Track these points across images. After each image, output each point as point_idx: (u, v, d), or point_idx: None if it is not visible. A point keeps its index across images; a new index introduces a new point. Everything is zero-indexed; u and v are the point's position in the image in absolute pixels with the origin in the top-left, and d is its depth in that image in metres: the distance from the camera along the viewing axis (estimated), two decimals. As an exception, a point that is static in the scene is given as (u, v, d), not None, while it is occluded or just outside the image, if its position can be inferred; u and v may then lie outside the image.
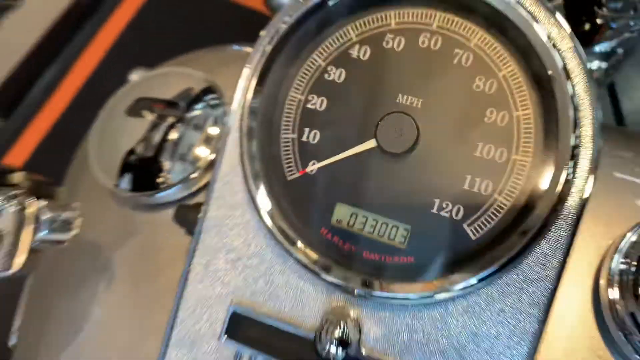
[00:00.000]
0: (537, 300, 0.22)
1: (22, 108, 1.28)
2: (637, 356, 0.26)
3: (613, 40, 0.44)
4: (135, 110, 0.34)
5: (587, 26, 0.41)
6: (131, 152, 0.34)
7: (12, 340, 0.39)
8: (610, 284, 0.26)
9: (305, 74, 0.24)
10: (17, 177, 0.23)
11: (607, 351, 0.27)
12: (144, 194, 0.32)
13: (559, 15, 0.23)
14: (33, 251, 0.24)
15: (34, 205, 0.23)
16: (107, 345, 0.35)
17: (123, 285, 0.34)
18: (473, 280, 0.21)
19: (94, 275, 0.35)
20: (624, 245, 0.26)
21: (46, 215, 0.24)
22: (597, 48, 0.45)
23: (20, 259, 0.23)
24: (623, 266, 0.26)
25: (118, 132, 0.34)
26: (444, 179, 0.23)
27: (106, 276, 0.35)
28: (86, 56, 1.40)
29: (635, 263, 0.26)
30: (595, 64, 0.57)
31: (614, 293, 0.26)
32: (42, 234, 0.24)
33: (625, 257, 0.26)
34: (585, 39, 0.44)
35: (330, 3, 0.23)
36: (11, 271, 0.22)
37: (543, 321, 0.22)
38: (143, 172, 0.33)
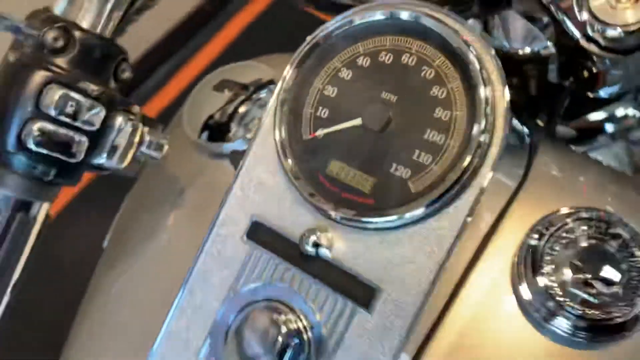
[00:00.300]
0: (446, 235, 0.32)
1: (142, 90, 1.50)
2: (549, 324, 0.35)
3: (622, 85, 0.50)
4: (219, 87, 0.47)
5: (585, 74, 0.49)
6: (211, 116, 0.47)
7: (105, 243, 0.53)
8: (519, 259, 0.35)
9: (326, 71, 0.36)
10: (135, 109, 0.36)
11: (519, 312, 0.36)
12: (215, 144, 0.45)
13: (497, 61, 0.33)
14: (135, 159, 0.37)
15: (141, 129, 0.36)
16: (173, 256, 0.48)
17: (191, 208, 0.47)
18: (420, 210, 0.32)
19: (171, 200, 0.49)
20: (539, 222, 0.35)
21: (147, 138, 0.37)
22: (604, 93, 0.51)
23: (128, 159, 0.36)
24: (530, 242, 0.35)
25: (205, 101, 0.48)
26: (401, 150, 0.33)
27: (180, 201, 0.48)
28: (202, 54, 1.60)
29: (537, 236, 0.35)
30: (630, 111, 0.64)
31: (520, 268, 0.35)
32: (143, 148, 0.37)
33: (533, 232, 0.35)
34: (586, 85, 0.51)
35: (335, 34, 0.35)
36: (123, 165, 0.36)
37: (449, 252, 0.32)
38: (217, 131, 0.47)
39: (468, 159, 0.31)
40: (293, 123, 0.36)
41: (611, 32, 0.39)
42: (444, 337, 0.37)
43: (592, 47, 0.40)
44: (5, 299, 0.36)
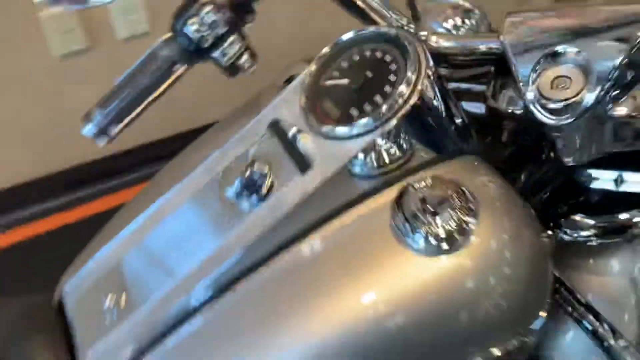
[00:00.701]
0: (361, 142, 0.55)
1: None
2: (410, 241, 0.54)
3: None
4: (309, 60, 0.75)
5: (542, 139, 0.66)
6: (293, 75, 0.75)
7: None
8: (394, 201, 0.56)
9: (345, 53, 0.61)
10: (246, 38, 0.66)
11: (393, 236, 0.56)
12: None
13: (425, 53, 0.56)
14: (234, 66, 0.66)
15: (243, 49, 0.65)
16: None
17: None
18: (354, 129, 0.55)
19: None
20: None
21: (245, 56, 0.66)
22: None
23: (229, 62, 0.65)
24: (403, 191, 0.56)
25: (295, 66, 0.76)
26: (361, 101, 0.56)
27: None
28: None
29: (408, 188, 0.56)
30: None
31: (394, 206, 0.55)
32: (240, 60, 0.66)
33: (408, 185, 0.56)
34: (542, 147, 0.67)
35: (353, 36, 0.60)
36: (226, 63, 0.64)
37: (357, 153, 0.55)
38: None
39: (386, 106, 0.55)
40: (318, 75, 0.62)
41: (552, 105, 0.56)
42: (322, 244, 0.57)
43: (539, 115, 0.57)
44: (139, 109, 0.66)
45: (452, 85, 0.72)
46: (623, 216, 0.70)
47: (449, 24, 0.81)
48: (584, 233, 0.73)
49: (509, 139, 0.73)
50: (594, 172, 0.74)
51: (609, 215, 0.70)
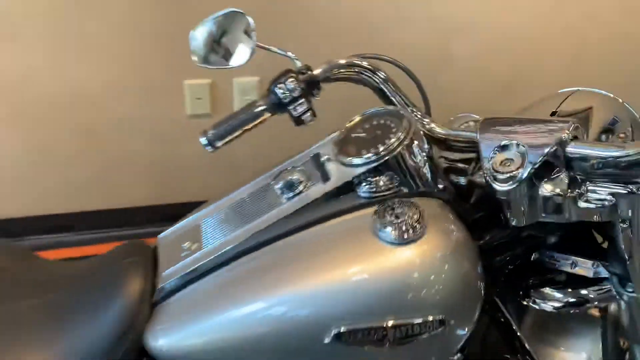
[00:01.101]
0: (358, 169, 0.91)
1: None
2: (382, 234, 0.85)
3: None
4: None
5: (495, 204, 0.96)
6: None
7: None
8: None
9: (361, 124, 0.97)
10: (311, 102, 1.02)
11: (371, 234, 0.86)
12: None
13: (414, 124, 0.91)
14: (300, 119, 1.01)
15: (309, 109, 1.01)
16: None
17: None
18: (360, 160, 0.92)
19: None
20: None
21: (308, 114, 1.01)
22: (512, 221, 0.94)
23: (298, 115, 1.01)
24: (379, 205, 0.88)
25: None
26: (370, 145, 0.93)
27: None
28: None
29: (381, 206, 0.87)
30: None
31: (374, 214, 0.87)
32: (304, 116, 1.01)
33: (383, 204, 0.88)
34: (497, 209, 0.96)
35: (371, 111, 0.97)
36: (295, 115, 1.00)
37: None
38: None
39: (382, 149, 0.89)
40: (349, 130, 0.97)
41: (500, 176, 0.84)
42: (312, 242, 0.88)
43: (492, 183, 0.84)
44: (235, 135, 1.03)
45: (452, 164, 1.05)
46: (583, 292, 0.91)
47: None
48: (550, 304, 0.95)
49: (478, 203, 1.02)
50: (555, 255, 1.01)
51: (572, 291, 0.92)
